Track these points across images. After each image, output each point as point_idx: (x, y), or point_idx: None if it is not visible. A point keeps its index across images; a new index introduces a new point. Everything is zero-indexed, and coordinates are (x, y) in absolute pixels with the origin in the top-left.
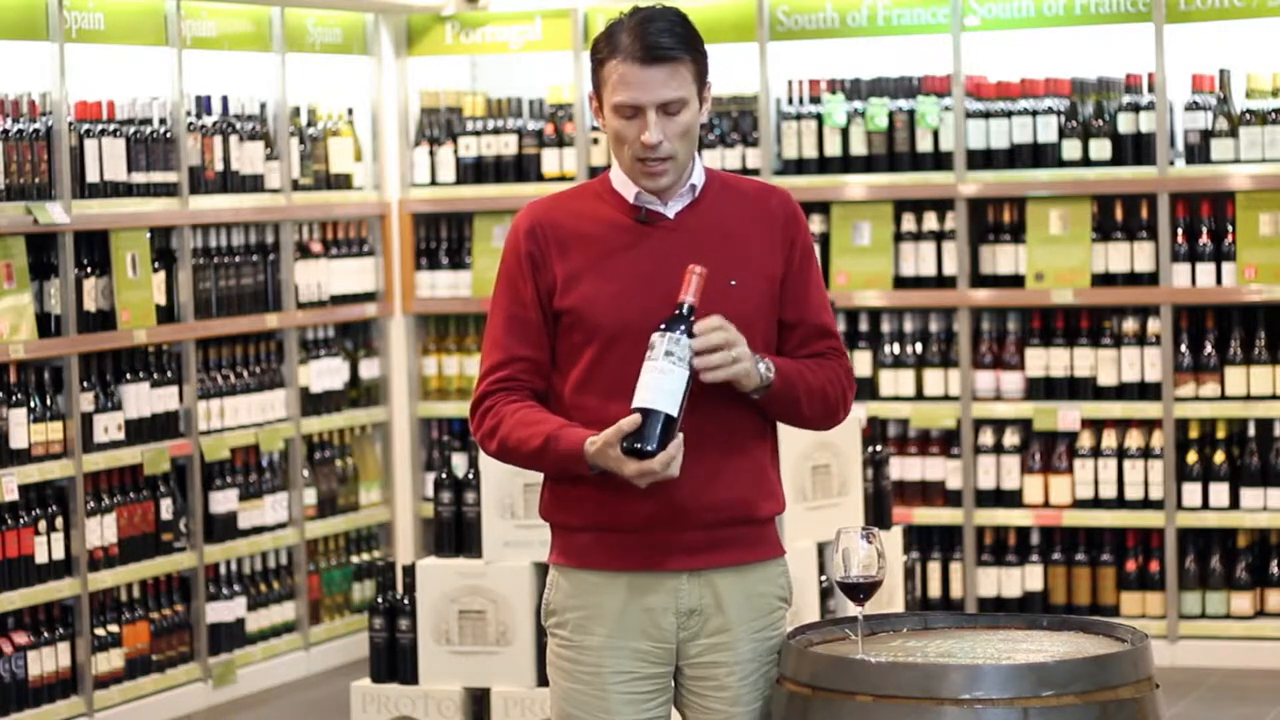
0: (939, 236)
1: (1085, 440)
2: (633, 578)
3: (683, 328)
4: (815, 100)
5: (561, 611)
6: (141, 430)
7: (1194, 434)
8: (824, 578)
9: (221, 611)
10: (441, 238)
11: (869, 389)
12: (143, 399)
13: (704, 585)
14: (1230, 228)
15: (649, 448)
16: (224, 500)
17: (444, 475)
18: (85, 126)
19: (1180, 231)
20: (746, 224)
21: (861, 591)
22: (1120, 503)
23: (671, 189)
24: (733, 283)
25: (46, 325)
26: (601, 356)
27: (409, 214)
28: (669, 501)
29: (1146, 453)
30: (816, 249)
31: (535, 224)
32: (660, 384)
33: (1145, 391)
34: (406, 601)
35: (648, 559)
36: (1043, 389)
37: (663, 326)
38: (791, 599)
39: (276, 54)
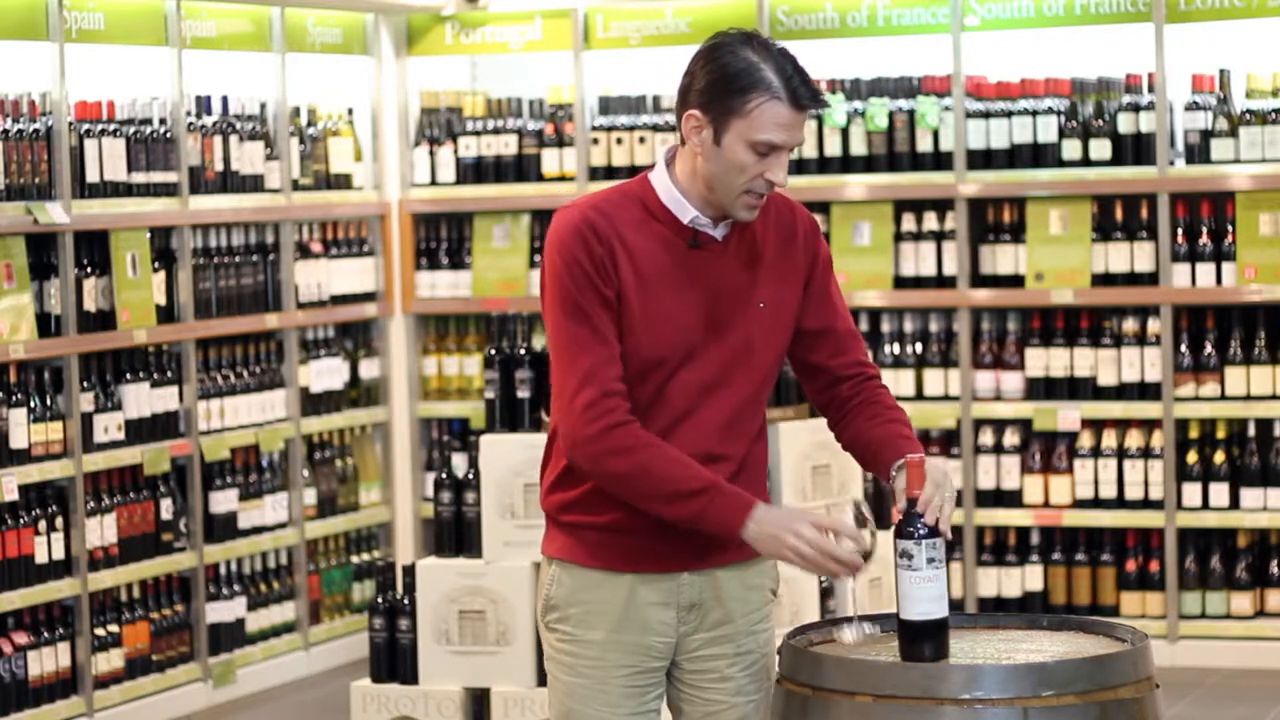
0: (939, 236)
1: (1085, 440)
2: (637, 575)
3: (926, 525)
4: None
5: (564, 607)
6: (141, 430)
7: (1194, 434)
8: (824, 577)
9: (221, 611)
10: (441, 238)
11: None
12: (143, 399)
13: (705, 580)
14: (1230, 228)
15: (931, 654)
16: (224, 500)
17: (444, 475)
18: (85, 126)
19: (1180, 231)
20: (775, 241)
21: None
22: (1120, 503)
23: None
24: (761, 305)
25: (46, 325)
26: (641, 376)
27: (409, 214)
28: None
29: (1146, 453)
30: None
31: (599, 227)
32: (933, 593)
33: (1145, 391)
34: (406, 601)
35: (653, 560)
36: (1043, 389)
37: (913, 532)
38: (779, 590)
39: (276, 54)
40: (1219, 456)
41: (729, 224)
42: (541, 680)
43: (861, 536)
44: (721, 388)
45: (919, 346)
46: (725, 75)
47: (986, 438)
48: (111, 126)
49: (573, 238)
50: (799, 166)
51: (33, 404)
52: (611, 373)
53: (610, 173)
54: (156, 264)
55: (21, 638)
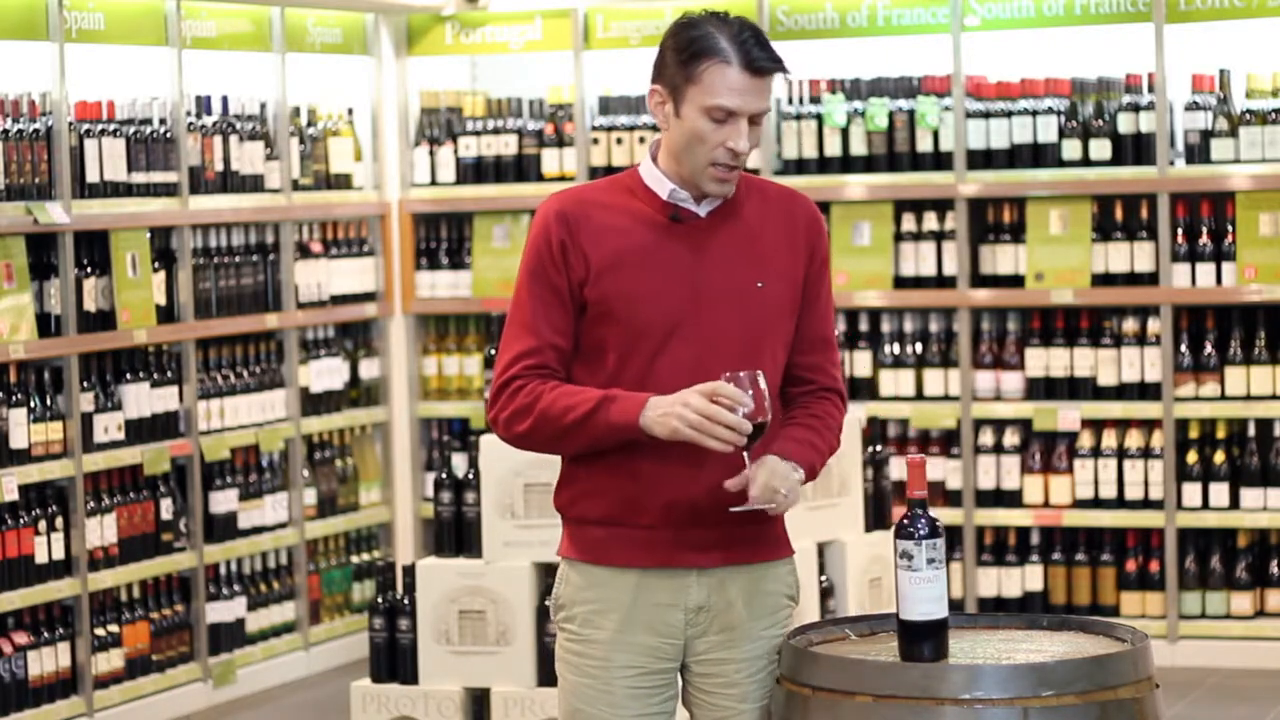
0: (939, 236)
1: (1085, 440)
2: (643, 573)
3: (927, 526)
4: (815, 100)
5: (570, 605)
6: (141, 430)
7: (1194, 434)
8: (824, 577)
9: (221, 611)
10: (441, 238)
11: (869, 389)
12: (143, 399)
13: (713, 582)
14: (1230, 228)
15: (931, 654)
16: (224, 500)
17: (444, 475)
18: (85, 126)
19: (1180, 231)
20: (773, 227)
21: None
22: (1120, 503)
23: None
24: (759, 285)
25: (46, 325)
26: (628, 353)
27: (409, 214)
28: (686, 500)
29: (1146, 453)
30: None
31: (568, 212)
32: (933, 594)
33: (1145, 391)
34: (406, 601)
35: (660, 556)
36: (1043, 389)
37: (914, 532)
38: (799, 598)
39: (276, 54)
40: (1219, 456)
41: (714, 202)
42: (542, 680)
43: (743, 399)
44: (716, 366)
45: (919, 346)
46: (680, 46)
47: (986, 438)
48: (111, 126)
49: (539, 225)
50: (799, 166)
51: (33, 404)
52: (532, 360)
53: (610, 173)
54: (156, 264)
55: (21, 638)
